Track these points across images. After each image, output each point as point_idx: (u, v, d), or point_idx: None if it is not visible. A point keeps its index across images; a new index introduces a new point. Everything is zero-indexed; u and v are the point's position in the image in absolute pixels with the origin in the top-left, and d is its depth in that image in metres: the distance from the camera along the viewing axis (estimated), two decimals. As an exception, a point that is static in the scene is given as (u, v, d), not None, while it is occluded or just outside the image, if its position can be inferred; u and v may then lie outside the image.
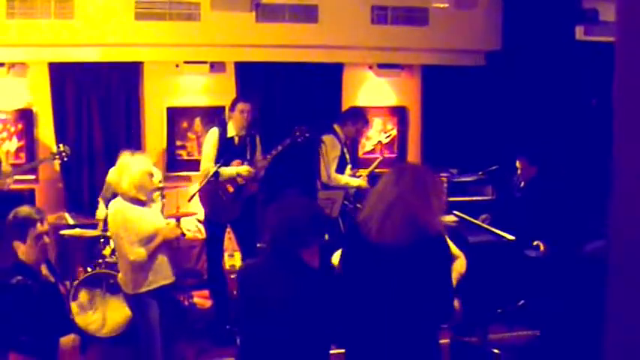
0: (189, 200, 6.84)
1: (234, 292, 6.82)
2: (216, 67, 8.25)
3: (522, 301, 6.60)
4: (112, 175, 6.30)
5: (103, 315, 6.30)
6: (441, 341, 3.78)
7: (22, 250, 3.91)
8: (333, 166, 7.23)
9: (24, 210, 4.02)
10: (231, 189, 6.76)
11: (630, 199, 2.01)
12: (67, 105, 7.93)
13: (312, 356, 3.43)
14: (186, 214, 7.32)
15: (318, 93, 8.61)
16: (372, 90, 9.07)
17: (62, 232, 6.81)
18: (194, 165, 7.87)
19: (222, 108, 8.08)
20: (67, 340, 4.00)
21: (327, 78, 8.71)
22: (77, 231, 6.84)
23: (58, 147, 6.99)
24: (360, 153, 8.91)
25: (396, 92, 9.18)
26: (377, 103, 9.05)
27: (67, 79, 7.91)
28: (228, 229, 7.06)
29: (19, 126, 7.89)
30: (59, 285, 4.40)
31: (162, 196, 6.67)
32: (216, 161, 6.68)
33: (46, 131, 7.95)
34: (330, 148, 7.23)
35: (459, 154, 8.64)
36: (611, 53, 2.06)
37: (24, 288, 3.79)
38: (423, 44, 8.64)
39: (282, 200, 3.63)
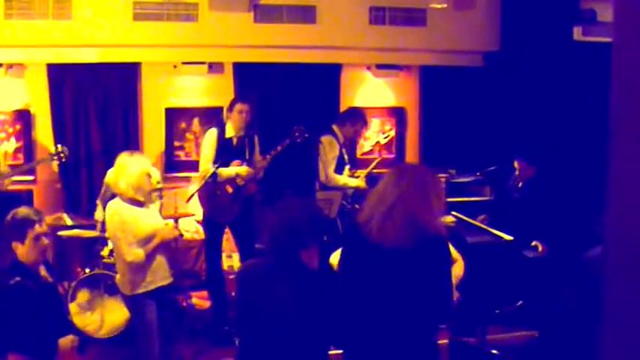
0: (188, 201, 6.84)
1: (233, 293, 6.84)
2: (214, 67, 8.25)
3: (521, 302, 6.61)
4: (110, 176, 6.31)
5: (101, 316, 6.29)
6: (440, 342, 3.78)
7: (21, 251, 3.91)
8: (332, 167, 7.23)
9: (23, 211, 4.02)
10: (230, 189, 6.76)
11: (627, 200, 2.01)
12: (65, 106, 7.93)
13: (311, 357, 3.43)
14: (185, 215, 7.32)
15: (317, 93, 8.62)
16: (370, 90, 9.07)
17: (60, 232, 6.80)
18: (192, 166, 7.87)
19: (221, 108, 8.08)
20: (66, 340, 4.01)
21: (326, 78, 8.72)
22: (75, 232, 6.84)
23: (57, 148, 6.98)
24: (359, 153, 8.92)
25: (394, 93, 9.19)
26: (375, 104, 9.06)
27: (65, 80, 7.90)
28: (227, 230, 7.06)
29: (17, 127, 7.88)
30: (57, 286, 4.40)
31: (161, 197, 6.66)
32: (215, 162, 6.67)
33: (44, 132, 7.95)
34: (329, 148, 7.24)
35: (457, 155, 8.65)
36: (609, 54, 2.06)
37: (23, 289, 3.79)
38: (421, 45, 8.64)
39: (281, 201, 3.63)
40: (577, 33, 8.02)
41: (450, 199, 7.59)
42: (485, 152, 8.47)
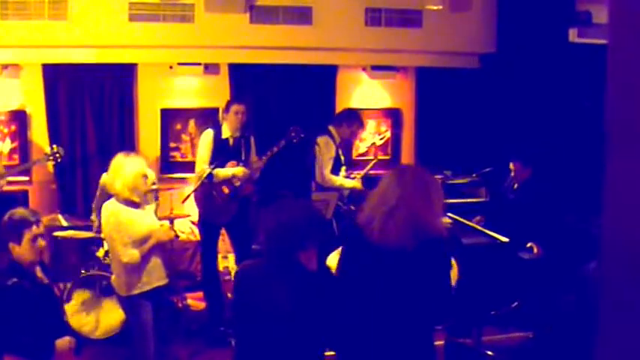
0: (184, 202, 6.83)
1: (229, 294, 6.84)
2: (210, 68, 8.24)
3: (516, 303, 6.61)
4: (105, 179, 6.30)
5: (97, 317, 6.28)
6: (436, 343, 3.78)
7: (18, 252, 3.90)
8: (328, 168, 7.23)
9: (19, 212, 4.02)
10: (226, 190, 6.76)
11: (623, 201, 2.01)
12: (60, 106, 7.91)
13: (307, 359, 3.43)
14: (180, 216, 7.31)
15: (312, 95, 8.62)
16: (366, 92, 9.08)
17: (56, 233, 6.78)
18: (188, 167, 7.86)
19: (217, 109, 8.08)
20: (63, 342, 4.00)
21: (321, 80, 8.72)
22: (71, 232, 6.82)
23: (52, 148, 6.97)
24: (354, 155, 8.92)
25: (390, 94, 9.19)
26: (371, 105, 9.07)
27: (61, 81, 7.89)
28: (222, 231, 7.05)
29: (13, 127, 7.87)
30: (53, 287, 4.39)
31: (157, 198, 6.65)
32: (211, 163, 6.67)
33: (39, 132, 7.94)
34: (325, 149, 7.24)
35: (453, 156, 8.66)
36: (605, 55, 2.07)
37: (19, 289, 3.78)
38: (417, 46, 8.65)
39: (279, 203, 3.62)
40: (572, 35, 8.04)
41: (445, 201, 7.59)
42: (481, 154, 8.48)
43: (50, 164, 7.34)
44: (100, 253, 6.41)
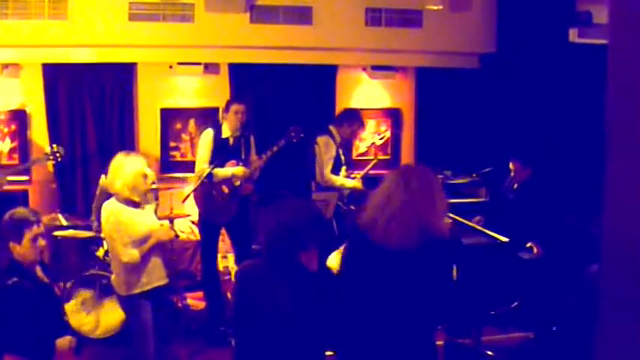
0: (184, 201, 6.83)
1: (228, 294, 6.84)
2: (210, 68, 8.25)
3: (516, 303, 6.61)
4: (104, 180, 6.30)
5: (97, 316, 6.28)
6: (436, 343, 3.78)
7: (18, 251, 3.90)
8: (329, 167, 7.23)
9: (20, 211, 4.02)
10: (226, 190, 6.75)
11: (623, 201, 2.01)
12: (60, 106, 7.91)
13: (308, 359, 3.42)
14: (180, 216, 7.31)
15: (312, 94, 8.62)
16: (366, 92, 9.08)
17: (55, 233, 6.78)
18: (188, 166, 7.86)
19: (216, 109, 8.09)
20: (64, 341, 4.00)
21: (321, 79, 8.72)
22: (70, 232, 6.82)
23: (52, 148, 6.97)
24: (354, 154, 8.91)
25: (390, 94, 9.20)
26: (371, 105, 9.07)
27: (61, 80, 7.89)
28: (222, 231, 7.05)
29: (13, 127, 7.87)
30: (53, 286, 4.39)
31: (156, 198, 6.65)
32: (211, 162, 6.66)
33: (39, 132, 7.94)
34: (325, 149, 7.24)
35: (452, 156, 8.66)
36: (605, 55, 2.07)
37: (20, 289, 3.78)
38: (417, 46, 8.65)
39: (280, 203, 3.61)
40: (573, 35, 8.04)
41: (445, 201, 7.59)
42: (481, 154, 8.48)
43: (50, 164, 7.34)
44: (100, 252, 6.41)
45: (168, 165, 8.41)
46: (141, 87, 8.27)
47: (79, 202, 7.99)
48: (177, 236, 6.95)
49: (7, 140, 7.83)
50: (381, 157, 8.92)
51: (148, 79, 8.28)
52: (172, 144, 8.44)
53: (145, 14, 7.71)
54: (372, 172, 7.64)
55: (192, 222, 7.90)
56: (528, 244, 6.50)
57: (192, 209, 7.25)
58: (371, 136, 9.09)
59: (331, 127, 7.37)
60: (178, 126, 8.43)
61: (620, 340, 2.06)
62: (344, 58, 8.69)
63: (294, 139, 6.93)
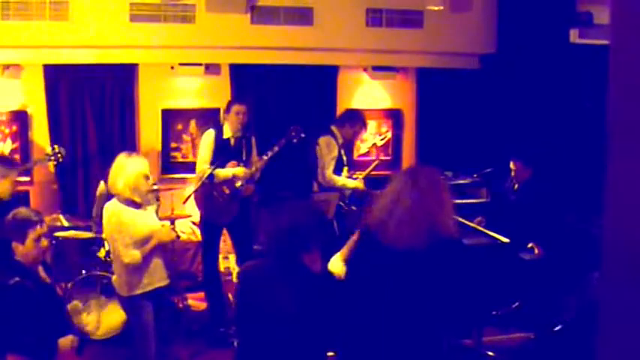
0: (184, 202, 6.83)
1: (230, 295, 6.84)
2: (211, 68, 8.26)
3: (517, 304, 6.61)
4: (103, 186, 6.31)
5: (98, 317, 6.28)
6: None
7: (21, 251, 3.91)
8: (330, 168, 7.22)
9: (22, 211, 4.03)
10: (227, 191, 6.75)
11: (624, 202, 2.01)
12: (61, 107, 7.92)
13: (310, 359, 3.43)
14: (181, 217, 7.31)
15: (313, 95, 8.63)
16: (366, 92, 9.08)
17: (57, 233, 6.78)
18: (189, 167, 7.86)
19: (217, 110, 8.09)
20: (66, 341, 4.00)
21: (322, 80, 8.73)
22: (72, 233, 6.82)
23: (53, 148, 6.96)
24: (355, 155, 8.91)
25: (391, 95, 9.20)
26: (372, 106, 9.07)
27: (62, 81, 7.89)
28: (223, 231, 7.05)
29: (14, 127, 7.87)
30: (55, 286, 4.40)
31: (157, 199, 6.65)
32: (212, 163, 6.67)
33: (40, 133, 7.94)
34: (326, 149, 7.23)
35: (453, 157, 8.65)
36: (606, 56, 2.07)
37: (22, 289, 3.79)
38: (418, 47, 8.65)
39: (282, 205, 3.62)
40: (573, 35, 8.04)
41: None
42: (482, 154, 8.47)
43: (51, 164, 7.32)
44: (101, 253, 6.41)
45: (169, 166, 8.41)
46: (142, 88, 8.27)
47: (80, 202, 7.99)
48: (178, 237, 6.96)
49: (9, 141, 7.84)
50: (382, 157, 8.92)
51: (149, 79, 8.28)
52: (173, 145, 8.44)
53: (145, 15, 7.71)
54: (373, 172, 7.65)
55: (194, 223, 7.91)
56: (529, 245, 6.50)
57: (193, 210, 7.25)
58: (372, 137, 9.09)
59: (333, 128, 7.37)
60: (179, 127, 8.44)
61: (621, 340, 2.06)
62: (345, 59, 8.70)
63: (294, 139, 6.93)
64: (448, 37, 8.56)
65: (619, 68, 2.02)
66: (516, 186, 6.96)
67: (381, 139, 9.13)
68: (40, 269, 4.07)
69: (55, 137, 7.79)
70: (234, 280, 7.37)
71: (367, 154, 9.06)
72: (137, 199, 4.93)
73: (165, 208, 6.98)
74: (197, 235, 7.82)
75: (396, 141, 9.26)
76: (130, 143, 8.03)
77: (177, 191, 7.61)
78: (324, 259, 3.61)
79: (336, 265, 3.78)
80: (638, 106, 1.94)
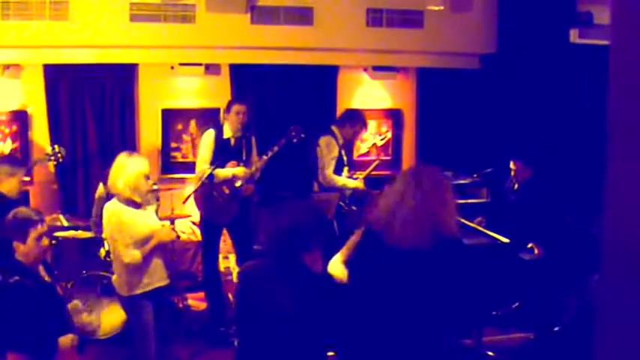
0: (184, 202, 6.83)
1: (229, 295, 6.84)
2: (211, 68, 8.26)
3: (517, 304, 6.61)
4: (102, 189, 6.32)
5: (98, 317, 6.28)
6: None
7: (22, 251, 3.91)
8: (330, 168, 7.23)
9: (23, 211, 4.03)
10: (226, 190, 6.75)
11: (625, 202, 2.01)
12: (61, 106, 7.92)
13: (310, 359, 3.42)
14: (181, 216, 7.31)
15: (313, 95, 8.63)
16: (367, 92, 9.08)
17: (57, 233, 6.78)
18: (189, 167, 7.86)
19: (217, 110, 8.09)
20: (66, 339, 4.00)
21: (322, 80, 8.73)
22: (71, 233, 6.82)
23: (53, 148, 6.95)
24: (355, 155, 8.90)
25: (391, 95, 9.20)
26: (372, 106, 9.06)
27: (62, 81, 7.89)
28: (223, 231, 7.05)
29: (14, 127, 7.87)
30: (56, 285, 4.40)
31: (157, 199, 6.65)
32: (212, 163, 6.67)
33: (40, 133, 7.94)
34: (326, 149, 7.23)
35: (453, 157, 8.64)
36: (606, 56, 2.07)
37: (22, 288, 3.79)
38: (418, 47, 8.65)
39: (283, 205, 3.61)
40: (574, 35, 8.04)
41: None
42: (482, 154, 8.47)
43: (51, 164, 7.32)
44: (102, 253, 6.41)
45: (169, 166, 8.41)
46: (142, 88, 8.27)
47: (80, 202, 7.99)
48: (178, 237, 6.96)
49: (9, 141, 7.83)
50: (382, 157, 8.92)
51: (149, 79, 8.28)
52: (173, 145, 8.44)
53: (146, 15, 7.71)
54: (373, 173, 7.66)
55: (193, 222, 7.91)
56: (529, 245, 6.50)
57: (193, 210, 7.25)
58: (372, 137, 9.09)
59: (334, 128, 7.37)
60: (179, 127, 8.43)
61: (620, 340, 2.06)
62: (345, 59, 8.69)
63: (294, 138, 6.93)
64: (448, 37, 8.56)
65: (619, 68, 2.02)
66: (516, 186, 6.96)
67: (381, 139, 9.13)
68: (41, 268, 4.07)
69: (55, 137, 7.79)
70: (234, 279, 7.38)
71: (367, 154, 9.06)
72: (137, 199, 4.93)
73: (165, 207, 6.98)
74: (197, 235, 7.82)
75: (396, 141, 9.25)
76: (129, 143, 8.03)
77: (177, 191, 7.62)
78: (324, 259, 3.60)
79: (336, 267, 3.77)
80: (638, 106, 1.94)
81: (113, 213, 4.89)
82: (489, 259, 5.84)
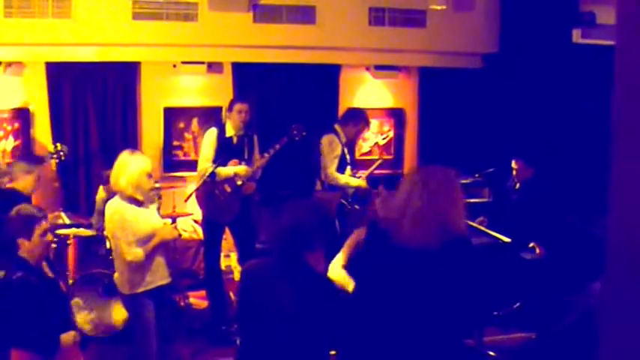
0: (186, 200, 6.84)
1: (231, 293, 6.85)
2: (213, 67, 8.25)
3: (518, 304, 6.61)
4: (102, 191, 6.32)
5: (99, 315, 6.28)
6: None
7: (27, 247, 3.91)
8: (333, 166, 7.22)
9: (26, 208, 4.04)
10: (228, 189, 6.75)
11: (629, 202, 2.01)
12: (63, 104, 7.92)
13: (312, 359, 3.42)
14: (183, 215, 7.31)
15: (316, 94, 8.63)
16: (369, 91, 9.08)
17: (58, 231, 6.78)
18: (191, 165, 7.86)
19: (220, 108, 8.09)
20: (68, 336, 4.01)
21: (325, 79, 8.73)
22: (73, 230, 6.82)
23: (55, 146, 6.97)
24: (357, 154, 8.90)
25: (393, 94, 9.20)
26: (374, 105, 9.06)
27: (64, 79, 7.90)
28: (225, 230, 7.05)
29: (16, 125, 7.87)
30: (59, 281, 4.41)
31: (159, 197, 6.65)
32: (214, 161, 6.67)
33: (42, 130, 7.94)
34: (328, 148, 7.23)
35: (455, 156, 8.61)
36: (609, 56, 2.07)
37: (26, 284, 3.79)
38: (421, 46, 8.65)
39: (287, 203, 3.60)
40: (576, 35, 8.05)
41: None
42: (484, 154, 8.47)
43: (53, 162, 7.32)
44: (103, 251, 6.41)
45: (171, 164, 8.41)
46: (144, 86, 8.27)
47: (81, 200, 7.99)
48: (180, 235, 6.97)
49: (11, 138, 7.84)
50: (384, 156, 8.92)
51: (152, 78, 8.28)
52: (175, 143, 8.45)
53: (148, 13, 7.72)
54: (375, 171, 7.65)
55: (195, 221, 7.91)
56: (531, 245, 6.50)
57: (194, 208, 7.25)
58: (374, 136, 9.09)
59: (336, 126, 7.36)
60: (181, 125, 8.44)
61: (623, 340, 2.06)
62: (347, 58, 8.69)
63: (296, 137, 6.92)
64: (451, 36, 8.56)
65: (624, 68, 2.02)
66: (518, 185, 6.96)
67: (383, 138, 9.12)
68: (44, 264, 4.08)
69: (57, 135, 7.80)
70: (236, 278, 7.38)
71: (369, 153, 9.06)
72: (139, 197, 4.93)
73: (167, 206, 6.98)
74: (199, 234, 7.82)
75: (398, 140, 9.25)
76: (132, 141, 8.04)
77: (178, 189, 7.61)
78: (327, 258, 3.60)
79: (336, 272, 3.75)
80: (642, 107, 1.95)
81: (116, 211, 4.89)
82: (491, 258, 5.84)
